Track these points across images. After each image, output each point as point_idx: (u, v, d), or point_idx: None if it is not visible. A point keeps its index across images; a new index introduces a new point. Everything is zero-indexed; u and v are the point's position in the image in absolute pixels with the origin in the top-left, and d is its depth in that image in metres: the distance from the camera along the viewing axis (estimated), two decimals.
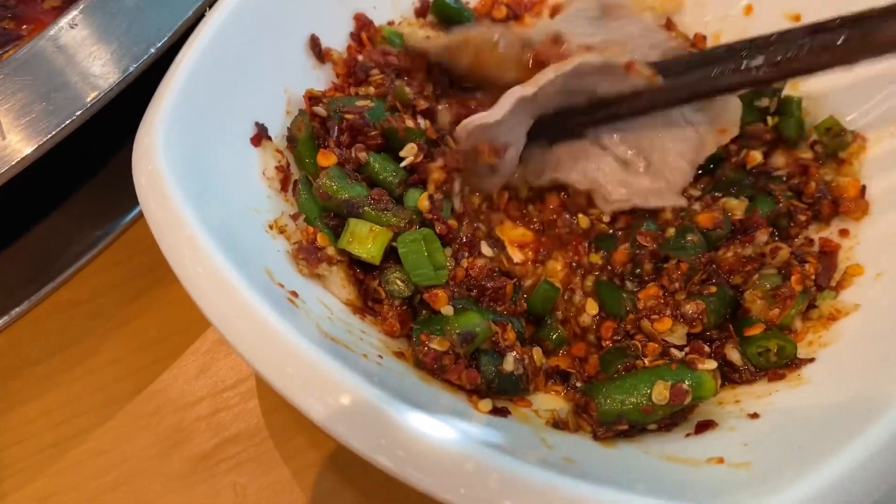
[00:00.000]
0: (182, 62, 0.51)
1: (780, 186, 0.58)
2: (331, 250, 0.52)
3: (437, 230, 0.54)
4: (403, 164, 0.55)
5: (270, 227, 0.52)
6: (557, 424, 0.49)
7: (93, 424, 0.59)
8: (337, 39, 0.62)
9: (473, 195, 0.59)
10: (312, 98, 0.58)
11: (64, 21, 0.57)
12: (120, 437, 0.58)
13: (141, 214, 0.68)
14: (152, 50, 0.56)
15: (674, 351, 0.50)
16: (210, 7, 0.55)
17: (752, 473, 0.40)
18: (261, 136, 0.55)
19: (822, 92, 0.60)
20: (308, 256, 0.51)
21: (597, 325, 0.55)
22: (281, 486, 0.56)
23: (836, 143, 0.58)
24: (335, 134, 0.56)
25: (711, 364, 0.48)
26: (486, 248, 0.57)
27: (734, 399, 0.49)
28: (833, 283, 0.53)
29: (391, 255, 0.53)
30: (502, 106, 0.54)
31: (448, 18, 0.67)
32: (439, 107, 0.60)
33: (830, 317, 0.51)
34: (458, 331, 0.48)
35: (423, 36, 0.63)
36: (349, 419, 0.39)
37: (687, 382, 0.47)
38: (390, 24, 0.66)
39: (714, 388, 0.47)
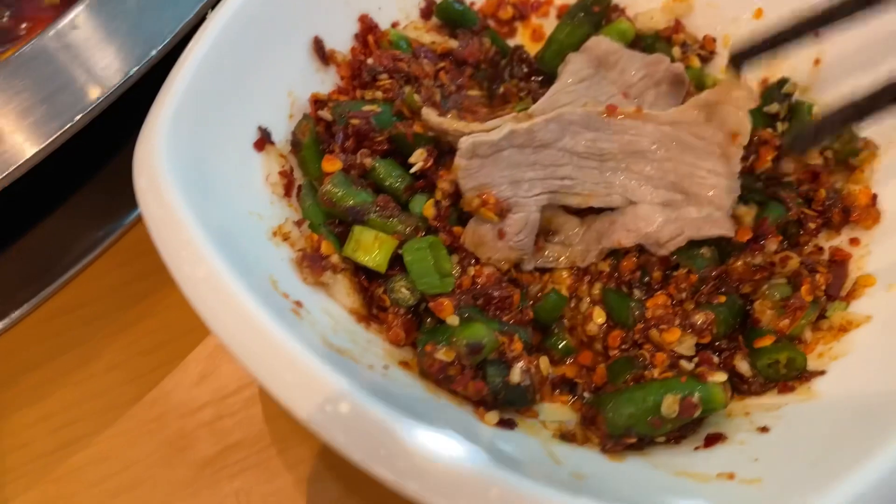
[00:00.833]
0: (184, 64, 0.50)
1: (790, 193, 0.57)
2: (335, 258, 0.51)
3: (443, 238, 0.53)
4: (413, 170, 0.54)
5: (274, 233, 0.52)
6: (565, 437, 0.48)
7: (94, 430, 0.58)
8: (341, 41, 0.62)
9: None
10: (317, 102, 0.58)
11: (65, 21, 0.56)
12: (122, 444, 0.58)
13: (138, 219, 0.67)
14: (154, 52, 0.55)
15: (683, 362, 0.50)
16: (213, 8, 0.54)
17: (764, 491, 0.40)
18: (264, 140, 0.54)
19: (834, 98, 0.59)
20: (312, 265, 0.50)
21: (604, 333, 0.54)
22: (284, 494, 0.55)
23: (848, 149, 0.57)
24: (340, 139, 0.55)
25: (721, 376, 0.47)
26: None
27: (743, 411, 0.49)
28: (843, 294, 0.52)
29: (397, 262, 0.53)
30: (498, 130, 0.53)
31: (452, 21, 0.66)
32: (448, 115, 0.58)
33: (841, 328, 0.50)
34: (464, 342, 0.47)
35: (430, 41, 0.62)
36: (349, 429, 0.38)
37: (696, 395, 0.46)
38: (395, 25, 0.65)
39: (724, 400, 0.47)
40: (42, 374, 0.61)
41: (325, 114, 0.57)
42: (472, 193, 0.53)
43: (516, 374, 0.49)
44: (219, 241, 0.44)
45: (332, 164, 0.54)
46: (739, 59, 0.53)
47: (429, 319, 0.52)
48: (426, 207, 0.53)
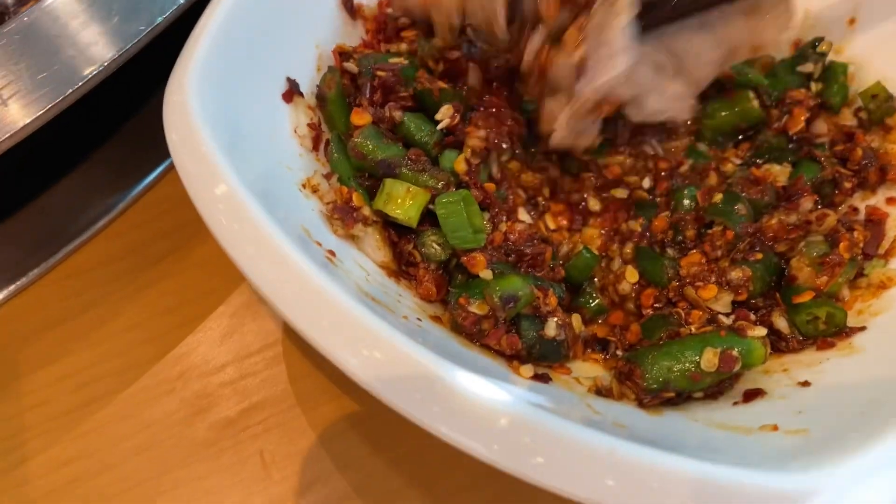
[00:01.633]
0: (212, 14, 0.49)
1: (824, 153, 0.56)
2: (366, 210, 0.50)
3: (474, 194, 0.52)
4: (440, 126, 0.53)
5: (303, 185, 0.51)
6: (601, 392, 0.48)
7: (114, 389, 0.57)
8: None
9: (511, 162, 0.57)
10: (343, 53, 0.56)
11: None
12: (142, 403, 0.56)
13: (160, 177, 0.66)
14: (177, 4, 0.53)
15: (721, 318, 0.49)
16: None
17: (812, 439, 0.39)
18: (292, 92, 0.53)
19: (868, 58, 0.58)
20: (344, 216, 0.49)
21: (636, 292, 0.53)
22: (309, 453, 0.54)
23: (883, 109, 0.56)
24: (368, 92, 0.54)
25: (761, 331, 0.47)
26: (523, 214, 0.55)
27: (781, 368, 0.48)
28: (882, 252, 0.52)
29: (425, 218, 0.52)
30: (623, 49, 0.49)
31: None
32: (470, 64, 0.57)
33: (880, 285, 0.50)
34: (499, 294, 0.47)
35: None
36: (388, 374, 0.38)
37: (736, 349, 0.45)
38: None
39: (763, 355, 0.46)
40: (61, 333, 0.59)
41: (351, 66, 0.56)
42: None
43: (551, 328, 0.48)
44: (253, 191, 0.43)
45: (361, 118, 0.53)
46: None
47: (459, 276, 0.51)
48: (457, 162, 0.52)
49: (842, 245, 0.50)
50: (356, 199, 0.50)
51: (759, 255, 0.51)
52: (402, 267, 0.52)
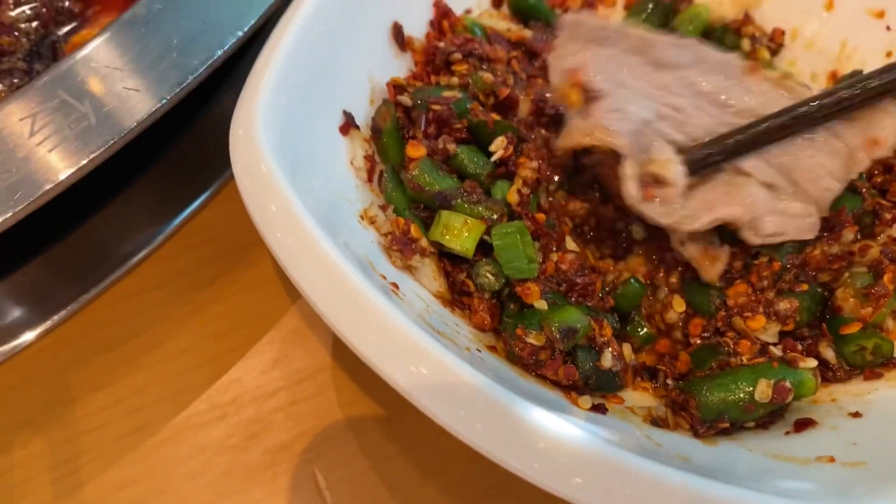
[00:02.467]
0: (277, 47, 0.51)
1: (864, 184, 0.57)
2: (424, 242, 0.51)
3: (526, 224, 0.53)
4: (494, 157, 0.55)
5: (361, 217, 0.52)
6: (656, 422, 0.49)
7: (168, 413, 0.58)
8: (417, 27, 0.62)
9: (559, 192, 0.58)
10: (397, 87, 0.58)
11: (143, 3, 0.55)
12: (196, 427, 0.57)
13: (208, 201, 0.68)
14: (240, 33, 0.55)
15: (772, 349, 0.50)
16: None
17: (872, 472, 0.40)
18: (349, 125, 0.54)
19: None
20: (403, 247, 0.50)
21: (683, 321, 0.54)
22: (361, 478, 0.55)
23: None
24: (423, 125, 0.55)
25: (812, 362, 0.48)
26: (570, 243, 0.56)
27: (830, 397, 0.49)
28: None
29: (477, 247, 0.53)
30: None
31: (523, 12, 0.66)
32: (521, 96, 0.59)
33: None
34: (558, 326, 0.48)
35: (505, 28, 0.63)
36: (452, 402, 0.39)
37: (789, 381, 0.46)
38: (468, 12, 0.65)
39: (814, 386, 0.47)
40: (114, 357, 0.60)
41: (405, 99, 0.57)
42: (561, 78, 0.49)
43: (608, 359, 0.49)
44: (317, 217, 0.44)
45: (416, 150, 0.54)
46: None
47: (512, 305, 0.53)
48: (510, 193, 0.54)
49: (886, 276, 0.52)
50: (414, 230, 0.51)
51: (805, 286, 0.53)
52: (456, 296, 0.54)
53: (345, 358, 0.59)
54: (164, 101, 0.52)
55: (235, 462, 0.56)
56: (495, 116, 0.56)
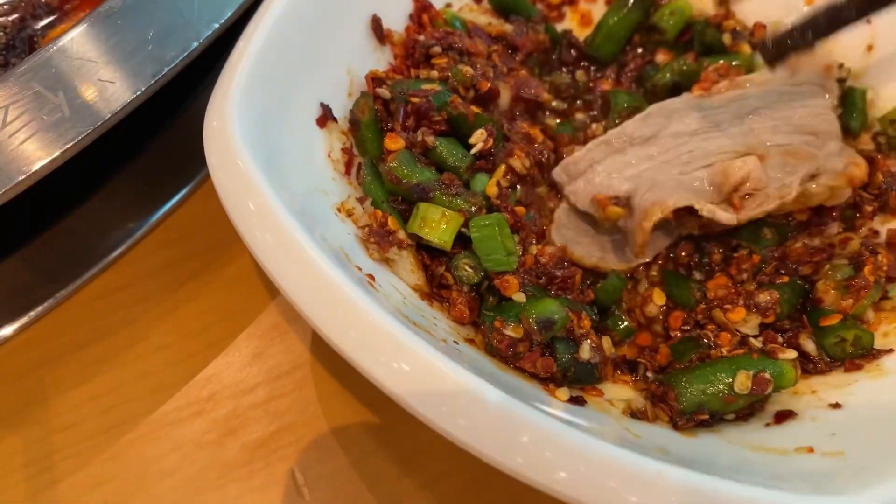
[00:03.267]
0: (251, 40, 0.50)
1: None
2: (401, 234, 0.51)
3: (505, 217, 0.53)
4: (474, 150, 0.54)
5: (338, 209, 0.51)
6: (635, 414, 0.48)
7: (144, 410, 0.57)
8: (396, 20, 0.61)
9: (540, 186, 0.58)
10: (376, 79, 0.57)
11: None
12: (173, 424, 0.57)
13: (186, 198, 0.67)
14: (216, 25, 0.54)
15: (752, 340, 0.50)
16: None
17: (849, 462, 0.40)
18: (326, 117, 0.54)
19: (886, 84, 0.60)
20: (380, 240, 0.50)
21: (664, 315, 0.54)
22: (340, 474, 0.55)
23: None
24: (401, 117, 0.55)
25: (791, 353, 0.48)
26: (554, 235, 0.56)
27: (810, 389, 0.49)
28: None
29: (456, 241, 0.52)
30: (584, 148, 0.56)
31: (504, 7, 0.66)
32: (501, 86, 0.58)
33: None
34: (535, 318, 0.47)
35: (485, 23, 0.62)
36: (418, 388, 0.39)
37: (768, 372, 0.46)
38: (448, 6, 0.65)
39: (794, 377, 0.47)
40: (90, 354, 0.60)
41: (384, 92, 0.56)
42: (590, 206, 0.55)
43: (586, 351, 0.49)
44: (291, 210, 0.44)
45: (395, 143, 0.53)
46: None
47: (491, 298, 0.52)
48: (489, 186, 0.53)
49: (866, 268, 0.52)
50: (391, 222, 0.51)
51: (786, 279, 0.52)
52: (435, 289, 0.53)
53: (323, 353, 0.59)
54: (139, 92, 0.51)
55: (212, 459, 0.55)
56: (475, 109, 0.55)
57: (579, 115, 0.63)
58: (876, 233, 0.57)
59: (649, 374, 0.52)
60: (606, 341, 0.52)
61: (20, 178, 0.48)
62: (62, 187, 0.63)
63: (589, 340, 0.49)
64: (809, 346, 0.50)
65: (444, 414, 0.38)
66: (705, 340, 0.51)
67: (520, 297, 0.50)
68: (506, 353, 0.48)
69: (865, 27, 0.61)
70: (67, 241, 0.63)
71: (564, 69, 0.66)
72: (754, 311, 0.51)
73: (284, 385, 0.58)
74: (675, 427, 0.47)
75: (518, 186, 0.56)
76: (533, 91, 0.58)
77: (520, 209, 0.54)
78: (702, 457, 0.43)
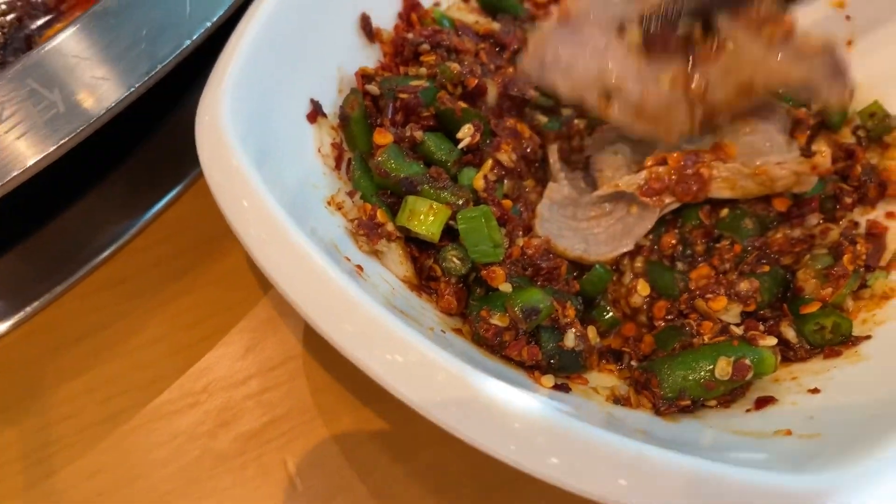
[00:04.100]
0: (242, 37, 0.51)
1: None
2: (390, 227, 0.52)
3: (492, 210, 0.54)
4: (461, 145, 0.55)
5: (329, 203, 0.52)
6: (618, 401, 0.49)
7: (140, 401, 0.58)
8: (386, 18, 0.63)
9: (527, 180, 0.59)
10: (365, 76, 0.59)
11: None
12: (168, 415, 0.58)
13: (180, 194, 0.68)
14: (207, 24, 0.55)
15: (733, 328, 0.51)
16: None
17: (825, 442, 0.41)
18: (316, 112, 0.55)
19: (866, 78, 0.61)
20: (369, 232, 0.51)
21: (648, 305, 0.55)
22: (332, 464, 0.56)
23: (881, 127, 0.59)
24: (390, 113, 0.56)
25: (772, 340, 0.49)
26: (538, 229, 0.57)
27: (790, 376, 0.50)
28: (883, 264, 0.54)
29: (445, 233, 0.54)
30: None
31: (491, 6, 0.67)
32: (488, 83, 0.60)
33: (883, 296, 0.52)
34: (520, 306, 0.48)
35: (473, 21, 0.64)
36: (410, 377, 0.39)
37: (749, 358, 0.47)
38: (437, 5, 0.66)
39: (774, 363, 0.48)
40: (86, 347, 0.61)
41: (373, 88, 0.58)
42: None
43: (570, 339, 0.50)
44: (283, 204, 0.45)
45: (383, 137, 0.54)
46: None
47: (478, 289, 0.53)
48: (476, 180, 0.55)
49: (845, 257, 0.53)
50: (380, 215, 0.52)
51: (766, 268, 0.54)
52: (424, 281, 0.54)
53: (316, 346, 0.60)
54: (132, 89, 0.52)
55: (206, 449, 0.56)
56: (463, 105, 0.57)
57: (566, 111, 0.64)
58: (856, 224, 0.58)
59: (633, 363, 0.53)
60: (592, 331, 0.53)
61: (15, 174, 0.49)
62: (58, 185, 0.64)
63: (573, 329, 0.50)
64: (790, 333, 0.51)
65: (438, 404, 0.39)
66: (688, 329, 0.52)
67: (506, 287, 0.51)
68: (492, 342, 0.49)
69: (845, 23, 0.62)
70: (64, 237, 0.64)
71: None
72: (735, 299, 0.52)
73: (277, 377, 0.59)
74: (658, 413, 0.48)
75: (505, 180, 0.57)
76: (519, 88, 0.59)
77: (506, 202, 0.55)
78: (683, 439, 0.44)
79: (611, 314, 0.56)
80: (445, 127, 0.57)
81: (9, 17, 0.65)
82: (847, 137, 0.61)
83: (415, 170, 0.53)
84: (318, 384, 0.59)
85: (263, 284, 0.63)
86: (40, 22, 0.66)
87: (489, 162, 0.56)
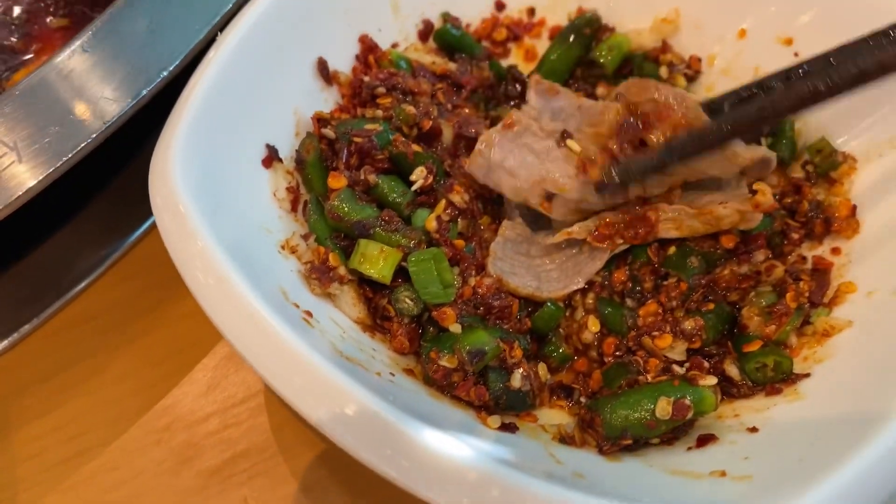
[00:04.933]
0: (197, 85, 0.53)
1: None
2: (342, 270, 0.53)
3: (444, 251, 0.55)
4: (414, 187, 0.57)
5: (282, 247, 0.54)
6: (564, 440, 0.50)
7: (104, 440, 0.60)
8: (343, 61, 0.64)
9: (482, 218, 0.60)
10: (321, 120, 0.60)
11: (75, 45, 0.58)
12: (132, 453, 0.59)
13: (148, 232, 0.69)
14: (164, 73, 0.57)
15: (675, 367, 0.52)
16: (221, 31, 0.57)
17: (754, 486, 0.42)
18: (272, 157, 0.56)
19: (814, 115, 0.62)
20: (321, 276, 0.52)
21: (598, 341, 0.56)
22: (292, 500, 0.57)
23: (828, 163, 0.60)
24: (344, 157, 0.57)
25: (712, 380, 0.50)
26: (491, 268, 0.58)
27: (733, 413, 0.51)
28: (826, 300, 0.55)
29: (399, 274, 0.55)
30: None
31: (449, 46, 0.69)
32: (443, 125, 0.61)
33: (824, 333, 0.53)
34: (467, 349, 0.50)
35: (430, 61, 0.65)
36: (357, 430, 0.41)
37: (689, 398, 0.48)
38: (395, 46, 0.67)
39: (714, 403, 0.49)
40: (52, 386, 0.62)
41: (329, 132, 0.59)
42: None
43: (517, 380, 0.51)
44: (231, 252, 0.46)
45: (337, 181, 0.56)
46: None
47: (431, 329, 0.54)
48: (428, 221, 0.56)
49: (788, 295, 0.54)
50: (332, 258, 0.53)
51: (711, 305, 0.55)
52: (378, 321, 0.55)
53: None
54: (90, 139, 0.54)
55: (169, 486, 0.58)
56: (416, 147, 0.58)
57: None
58: (804, 259, 0.59)
59: (583, 399, 0.54)
60: (542, 368, 0.55)
61: None
62: (26, 223, 0.66)
63: (521, 370, 0.51)
64: (733, 371, 0.53)
65: (386, 457, 0.40)
66: (635, 366, 0.53)
67: (456, 328, 0.52)
68: (442, 383, 0.50)
69: (794, 60, 0.63)
70: (31, 275, 0.66)
71: (511, 103, 0.69)
72: (681, 336, 0.53)
73: (238, 414, 0.61)
74: (601, 452, 0.49)
75: (459, 220, 0.59)
76: (473, 130, 0.60)
77: (459, 242, 0.57)
78: (622, 483, 0.45)
79: (562, 350, 0.57)
80: (400, 169, 0.58)
81: None
82: (797, 172, 0.62)
83: (367, 213, 0.55)
84: (279, 421, 0.60)
85: None
86: (10, 64, 0.68)
87: (442, 203, 0.57)
